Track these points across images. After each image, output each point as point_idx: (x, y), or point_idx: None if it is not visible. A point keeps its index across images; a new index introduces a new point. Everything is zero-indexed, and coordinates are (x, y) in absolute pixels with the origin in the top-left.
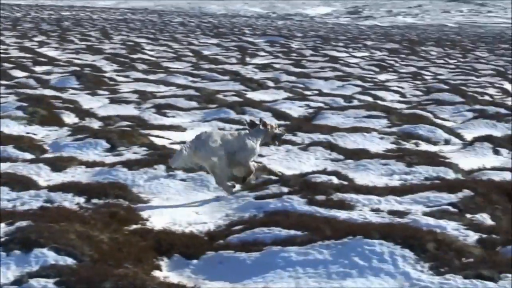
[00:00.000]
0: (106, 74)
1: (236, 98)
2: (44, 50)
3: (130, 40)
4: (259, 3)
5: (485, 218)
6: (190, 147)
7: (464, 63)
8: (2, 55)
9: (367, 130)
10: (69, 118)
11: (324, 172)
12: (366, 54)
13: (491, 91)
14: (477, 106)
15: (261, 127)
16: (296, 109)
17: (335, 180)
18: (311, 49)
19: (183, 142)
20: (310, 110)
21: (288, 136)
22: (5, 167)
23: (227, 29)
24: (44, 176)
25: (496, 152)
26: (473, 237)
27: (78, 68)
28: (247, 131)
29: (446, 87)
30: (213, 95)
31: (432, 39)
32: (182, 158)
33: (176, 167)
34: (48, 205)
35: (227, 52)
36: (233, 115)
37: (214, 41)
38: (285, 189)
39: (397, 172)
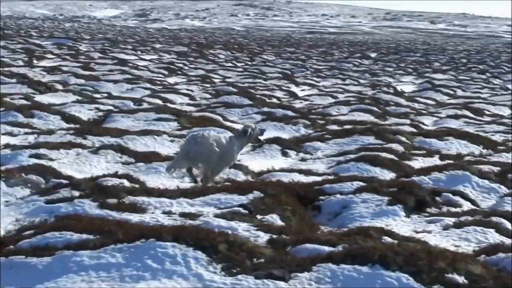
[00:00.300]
0: None
1: (24, 102)
2: None
3: None
4: (45, 5)
5: (275, 219)
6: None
7: (251, 66)
8: None
9: (158, 133)
10: None
11: (115, 175)
12: (155, 57)
13: (279, 93)
14: (265, 109)
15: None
16: (85, 112)
17: (126, 183)
18: (100, 51)
19: None
20: (100, 113)
21: (78, 140)
22: None
23: (13, 31)
24: None
25: (285, 154)
26: (263, 237)
27: None
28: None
29: (234, 90)
30: (0, 98)
31: (220, 43)
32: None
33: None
34: None
35: (13, 55)
36: (21, 118)
37: (0, 43)
38: (76, 193)
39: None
